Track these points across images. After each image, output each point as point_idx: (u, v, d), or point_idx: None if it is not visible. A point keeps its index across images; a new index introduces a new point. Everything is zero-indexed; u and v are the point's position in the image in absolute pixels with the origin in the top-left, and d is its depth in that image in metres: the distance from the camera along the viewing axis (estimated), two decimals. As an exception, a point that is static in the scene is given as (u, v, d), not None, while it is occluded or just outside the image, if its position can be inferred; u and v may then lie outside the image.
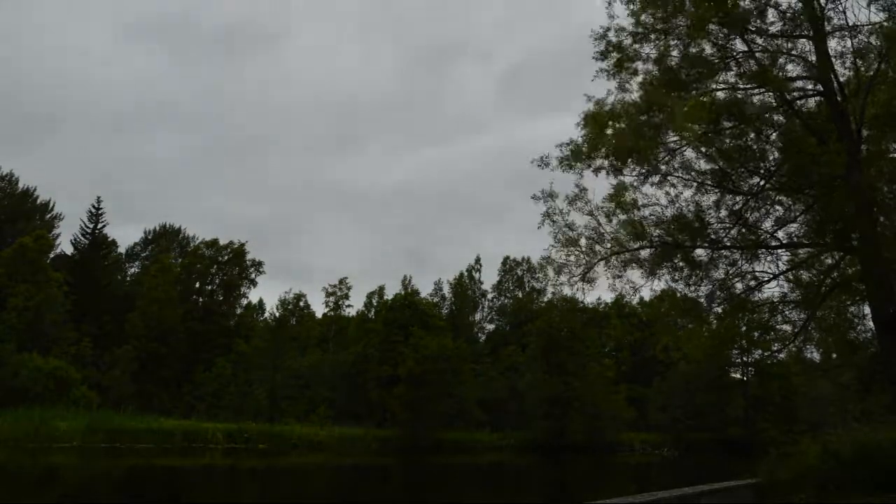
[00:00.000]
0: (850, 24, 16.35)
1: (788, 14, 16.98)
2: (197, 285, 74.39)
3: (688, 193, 18.53)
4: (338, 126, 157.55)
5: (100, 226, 73.16)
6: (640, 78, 18.00)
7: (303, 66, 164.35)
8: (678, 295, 19.32)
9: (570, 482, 36.99)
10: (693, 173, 18.41)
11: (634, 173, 18.41)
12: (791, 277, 19.41)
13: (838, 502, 14.46)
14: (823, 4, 16.55)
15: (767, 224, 18.75)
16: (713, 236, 18.43)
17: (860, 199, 15.81)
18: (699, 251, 18.76)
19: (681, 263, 18.43)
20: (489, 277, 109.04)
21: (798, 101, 17.72)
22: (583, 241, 18.43)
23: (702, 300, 18.96)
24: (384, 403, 61.86)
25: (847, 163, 15.94)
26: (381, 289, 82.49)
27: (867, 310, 18.31)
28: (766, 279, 19.12)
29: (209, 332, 70.05)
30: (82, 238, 72.61)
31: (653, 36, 17.46)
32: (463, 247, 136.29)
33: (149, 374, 60.32)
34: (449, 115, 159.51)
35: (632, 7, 17.44)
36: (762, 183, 18.18)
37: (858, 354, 20.33)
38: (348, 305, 78.21)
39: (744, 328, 19.85)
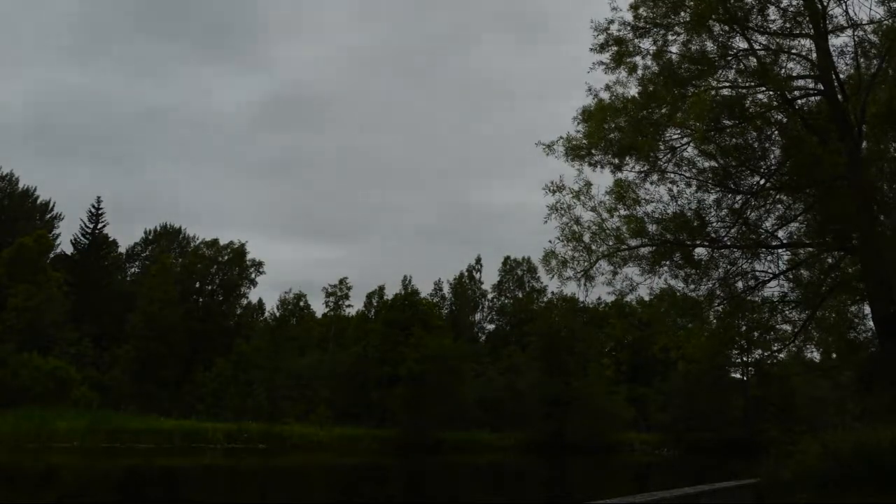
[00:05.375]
0: (852, 21, 16.33)
1: (790, 11, 16.95)
2: (197, 285, 74.39)
3: (689, 191, 18.51)
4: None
5: (100, 226, 73.21)
6: (639, 73, 17.93)
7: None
8: (678, 294, 19.29)
9: (570, 482, 36.95)
10: (694, 171, 18.39)
11: (634, 170, 18.39)
12: (791, 277, 19.38)
13: (838, 502, 14.43)
14: (825, 2, 16.52)
15: (768, 223, 18.76)
16: (713, 235, 18.40)
17: (860, 198, 15.79)
18: (699, 250, 18.74)
19: (681, 261, 18.40)
20: (490, 278, 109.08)
21: (799, 100, 17.69)
22: (586, 237, 18.39)
23: (701, 299, 18.92)
24: (384, 403, 61.81)
25: (847, 162, 15.93)
26: (381, 289, 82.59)
27: (867, 310, 18.29)
28: (766, 279, 19.10)
29: (209, 332, 70.04)
30: (82, 238, 72.63)
31: (653, 30, 17.38)
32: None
33: (149, 374, 60.26)
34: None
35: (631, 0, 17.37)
36: (763, 182, 18.15)
37: (858, 354, 20.29)
38: (348, 305, 78.31)
39: (744, 328, 19.82)
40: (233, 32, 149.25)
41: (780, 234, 18.75)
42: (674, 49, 17.53)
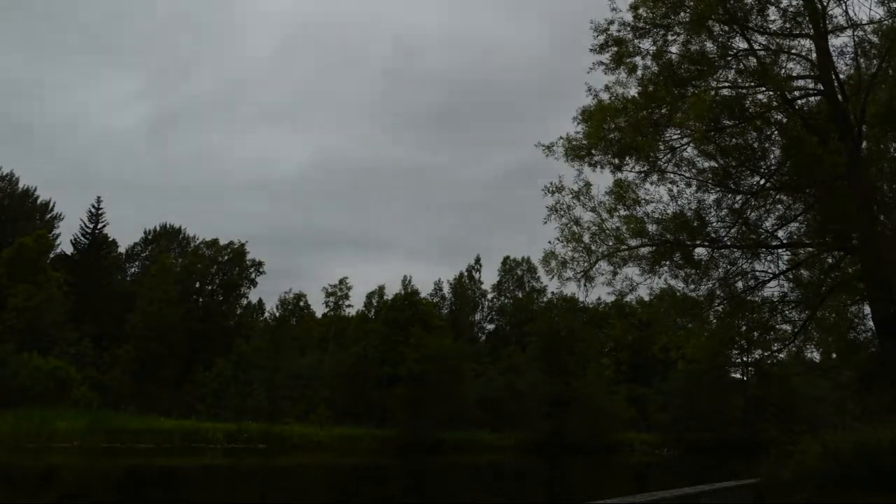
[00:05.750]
0: (851, 21, 16.33)
1: (790, 11, 16.95)
2: (197, 285, 74.37)
3: (688, 191, 18.49)
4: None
5: (100, 226, 73.24)
6: (639, 73, 17.91)
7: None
8: (678, 294, 19.28)
9: (570, 482, 36.96)
10: (693, 171, 18.38)
11: (634, 170, 18.38)
12: (791, 277, 19.37)
13: (838, 502, 14.44)
14: (825, 2, 16.52)
15: (768, 223, 18.74)
16: (713, 235, 18.39)
17: (860, 198, 15.78)
18: (699, 250, 18.73)
19: (681, 261, 18.39)
20: (489, 278, 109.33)
21: (799, 100, 17.68)
22: (586, 237, 18.36)
23: (701, 299, 18.91)
24: (384, 403, 61.84)
25: (847, 162, 15.93)
26: (381, 289, 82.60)
27: (867, 310, 18.29)
28: (766, 279, 19.09)
29: (209, 332, 70.02)
30: (82, 238, 72.66)
31: (653, 31, 17.36)
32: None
33: (149, 374, 60.26)
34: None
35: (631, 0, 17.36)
36: (763, 182, 18.14)
37: (858, 354, 20.29)
38: (348, 305, 78.33)
39: (744, 328, 19.81)
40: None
41: (780, 234, 18.75)
42: (674, 49, 17.53)
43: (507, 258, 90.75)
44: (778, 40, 17.34)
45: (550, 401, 62.46)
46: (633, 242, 18.33)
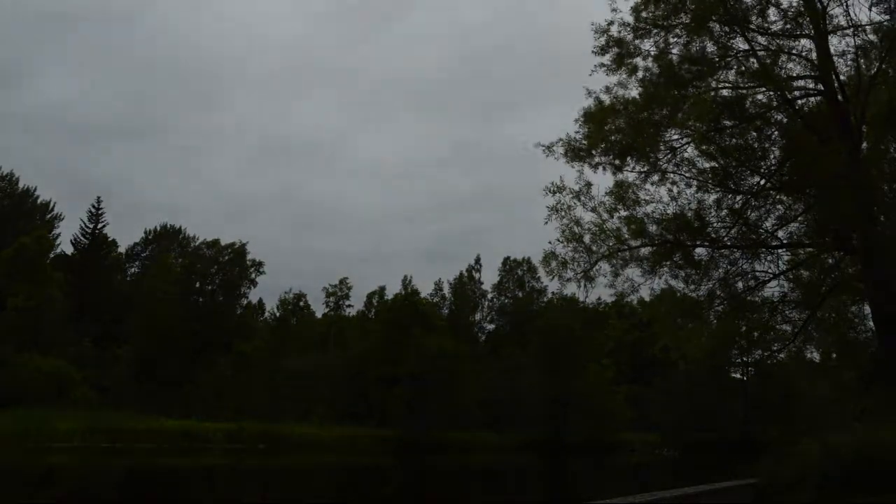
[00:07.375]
0: (852, 22, 16.34)
1: (790, 12, 16.96)
2: (197, 285, 74.31)
3: (689, 192, 18.50)
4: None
5: (100, 226, 73.24)
6: (640, 74, 17.92)
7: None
8: (678, 294, 19.28)
9: (569, 482, 36.97)
10: (694, 171, 18.39)
11: (634, 171, 18.39)
12: (791, 277, 19.38)
13: (838, 502, 14.44)
14: (825, 3, 16.53)
15: (768, 223, 18.76)
16: (713, 235, 18.40)
17: (860, 198, 15.79)
18: (699, 250, 18.75)
19: (681, 262, 18.40)
20: (489, 277, 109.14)
21: (799, 101, 17.69)
22: (586, 238, 18.36)
23: (702, 300, 18.92)
24: (384, 403, 61.84)
25: (847, 162, 15.94)
26: (382, 289, 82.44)
27: (867, 310, 18.29)
28: (766, 279, 19.10)
29: (209, 332, 69.98)
30: (82, 238, 72.67)
31: (654, 32, 17.38)
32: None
33: (149, 374, 60.23)
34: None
35: (633, 2, 17.38)
36: (763, 182, 18.16)
37: (858, 354, 20.28)
38: (348, 305, 78.24)
39: (744, 328, 19.82)
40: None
41: (780, 234, 18.77)
42: (674, 50, 17.54)
43: (507, 258, 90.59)
44: (778, 41, 17.35)
45: (550, 401, 62.47)
46: (633, 243, 18.35)
